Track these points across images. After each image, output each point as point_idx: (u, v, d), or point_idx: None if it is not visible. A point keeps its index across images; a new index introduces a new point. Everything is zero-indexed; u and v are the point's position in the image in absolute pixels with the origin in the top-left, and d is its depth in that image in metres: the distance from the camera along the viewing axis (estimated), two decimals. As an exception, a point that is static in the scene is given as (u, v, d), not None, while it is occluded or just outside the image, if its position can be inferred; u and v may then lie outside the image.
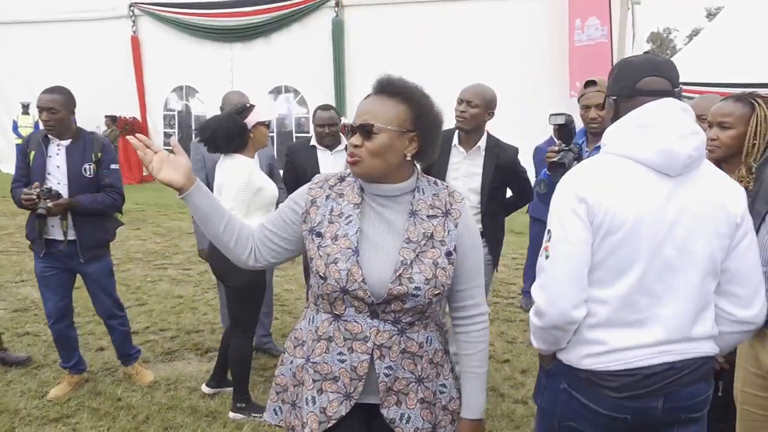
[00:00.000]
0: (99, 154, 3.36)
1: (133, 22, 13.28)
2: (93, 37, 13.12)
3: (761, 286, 1.65)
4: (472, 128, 3.11)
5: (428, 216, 1.63)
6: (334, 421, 1.59)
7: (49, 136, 3.32)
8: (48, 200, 3.17)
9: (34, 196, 3.15)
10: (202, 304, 5.27)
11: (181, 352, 4.23)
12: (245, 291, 3.17)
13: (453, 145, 3.18)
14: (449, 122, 2.74)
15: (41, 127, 3.36)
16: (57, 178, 3.31)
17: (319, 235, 1.61)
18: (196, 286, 5.80)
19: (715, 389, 2.16)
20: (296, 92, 12.81)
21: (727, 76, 8.39)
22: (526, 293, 5.36)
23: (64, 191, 3.28)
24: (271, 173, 4.08)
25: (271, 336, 4.29)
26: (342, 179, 1.69)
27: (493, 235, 3.24)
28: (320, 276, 1.58)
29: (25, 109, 12.94)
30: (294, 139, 12.08)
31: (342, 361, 1.59)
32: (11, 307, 4.97)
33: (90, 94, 12.56)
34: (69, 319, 3.57)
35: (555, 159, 2.55)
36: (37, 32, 13.59)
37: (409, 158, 1.60)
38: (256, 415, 3.22)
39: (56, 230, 3.33)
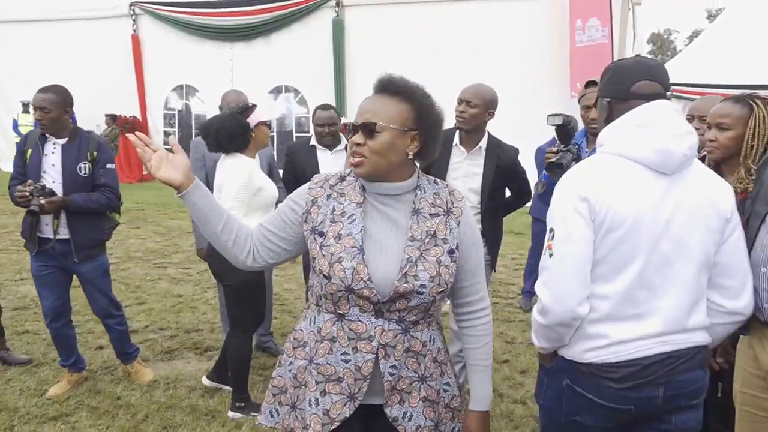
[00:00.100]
0: (95, 154, 3.35)
1: (134, 21, 13.29)
2: (93, 35, 13.12)
3: (749, 278, 1.74)
4: (471, 128, 3.10)
5: (431, 214, 1.64)
6: (337, 423, 1.58)
7: (46, 134, 3.32)
8: (41, 197, 3.16)
9: (27, 193, 3.15)
10: (201, 303, 5.27)
11: (180, 351, 4.23)
12: (243, 291, 3.17)
13: (454, 144, 3.18)
14: (449, 122, 2.74)
15: None
16: (52, 176, 3.30)
17: (322, 234, 1.60)
18: (195, 285, 5.80)
19: (714, 390, 2.17)
20: (296, 92, 12.81)
21: (728, 78, 8.40)
22: (527, 293, 5.36)
23: (59, 190, 3.28)
24: (270, 173, 4.08)
25: (272, 335, 4.29)
26: (342, 179, 1.69)
27: (492, 235, 3.24)
28: (324, 275, 1.57)
29: (26, 107, 12.94)
30: (294, 139, 12.08)
31: (346, 362, 1.58)
32: (11, 306, 4.97)
33: (90, 93, 12.57)
34: (66, 318, 3.56)
35: (553, 160, 2.56)
36: (37, 31, 13.61)
37: (410, 157, 1.61)
38: (255, 414, 3.22)
39: (49, 228, 3.33)
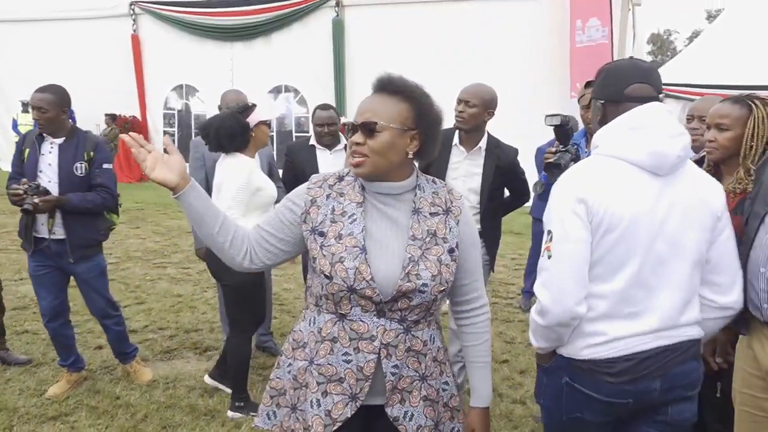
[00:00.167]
0: (91, 153, 3.34)
1: (134, 20, 13.29)
2: (93, 35, 13.12)
3: (739, 274, 1.79)
4: (471, 128, 3.10)
5: (430, 213, 1.64)
6: (339, 424, 1.57)
7: (44, 134, 3.32)
8: (35, 196, 3.15)
9: (21, 192, 3.14)
10: (201, 303, 5.27)
11: (180, 350, 4.23)
12: (242, 291, 3.16)
13: (454, 144, 3.17)
14: (449, 122, 2.74)
15: None
16: (48, 176, 3.30)
17: (322, 234, 1.60)
18: (195, 285, 5.80)
19: (713, 390, 2.17)
20: (296, 92, 12.81)
21: (727, 78, 8.39)
22: (526, 293, 5.36)
23: (55, 189, 3.27)
24: (270, 172, 4.08)
25: (271, 335, 4.29)
26: (341, 178, 1.68)
27: (490, 236, 3.24)
28: (325, 275, 1.56)
29: (25, 107, 12.93)
30: (294, 139, 12.08)
31: (347, 362, 1.58)
32: (10, 305, 4.96)
33: (90, 93, 12.57)
34: (64, 318, 3.56)
35: (551, 160, 2.56)
36: (37, 31, 13.60)
37: (410, 156, 1.61)
38: (254, 414, 3.22)
39: (44, 228, 3.32)
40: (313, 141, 4.04)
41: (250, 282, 3.11)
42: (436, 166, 3.11)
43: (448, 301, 1.83)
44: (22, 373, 3.78)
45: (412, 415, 1.63)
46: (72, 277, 3.54)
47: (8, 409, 3.31)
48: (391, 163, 1.58)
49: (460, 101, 3.08)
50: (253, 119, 3.12)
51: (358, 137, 1.56)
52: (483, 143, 3.16)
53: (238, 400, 3.30)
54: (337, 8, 11.76)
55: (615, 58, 9.47)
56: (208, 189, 3.32)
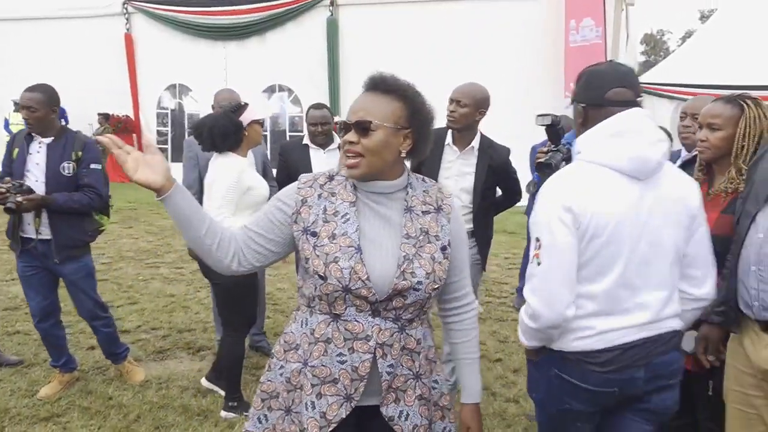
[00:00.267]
0: (79, 153, 3.31)
1: (127, 19, 13.24)
2: (86, 34, 13.07)
3: (713, 267, 1.87)
4: (462, 127, 3.10)
5: (422, 212, 1.64)
6: (334, 425, 1.56)
7: (32, 133, 3.30)
8: (18, 195, 3.12)
9: (3, 190, 3.11)
10: (194, 302, 5.25)
11: (173, 350, 4.22)
12: (233, 290, 3.15)
13: (446, 143, 3.17)
14: (442, 122, 2.74)
15: None
16: (35, 175, 3.27)
17: (314, 234, 1.58)
18: (188, 285, 5.78)
19: (705, 388, 2.19)
20: (290, 91, 12.80)
21: (720, 78, 8.43)
22: (521, 292, 5.36)
23: (41, 189, 3.24)
24: (264, 172, 4.08)
25: (264, 335, 4.28)
26: (331, 178, 1.67)
27: (482, 235, 3.24)
28: (319, 276, 1.54)
29: (17, 106, 12.83)
30: (287, 138, 12.06)
31: (342, 362, 1.56)
32: (1, 306, 4.94)
33: (83, 92, 12.52)
34: (54, 318, 3.53)
35: (542, 160, 2.57)
36: (29, 29, 13.53)
37: (403, 155, 1.61)
38: (247, 414, 3.21)
39: (31, 228, 3.30)
40: (306, 140, 4.03)
41: (242, 282, 3.10)
42: (428, 165, 3.11)
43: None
44: (14, 373, 3.75)
45: (408, 414, 1.63)
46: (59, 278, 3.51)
47: (0, 410, 3.28)
48: (385, 162, 1.57)
49: (451, 101, 3.08)
50: (246, 118, 3.11)
51: (351, 136, 1.55)
52: (475, 143, 3.16)
53: (232, 399, 3.30)
54: (331, 8, 11.76)
55: (608, 58, 9.52)
56: (202, 188, 3.31)
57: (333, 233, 1.57)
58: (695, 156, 2.40)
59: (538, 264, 1.70)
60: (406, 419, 1.62)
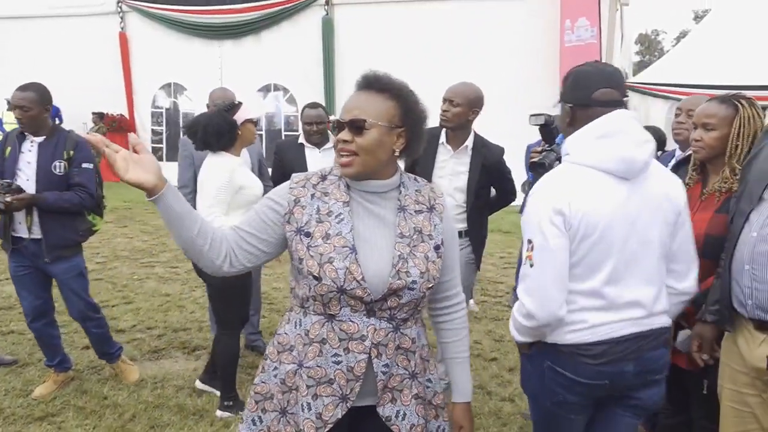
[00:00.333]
0: (71, 152, 3.29)
1: (121, 18, 13.18)
2: (80, 33, 13.00)
3: (695, 261, 1.94)
4: (455, 127, 3.11)
5: (415, 211, 1.64)
6: (330, 425, 1.55)
7: (25, 133, 3.28)
8: (7, 195, 3.10)
9: None
10: (189, 302, 5.24)
11: (168, 350, 4.21)
12: (227, 289, 3.15)
13: (440, 142, 3.18)
14: (437, 121, 2.74)
15: None
16: (27, 174, 3.26)
17: (308, 235, 1.57)
18: (183, 284, 5.77)
19: (700, 387, 2.20)
20: (285, 90, 12.77)
21: (714, 78, 8.45)
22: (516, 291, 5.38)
23: (32, 188, 3.23)
24: (260, 171, 4.07)
25: (260, 334, 4.28)
26: (324, 177, 1.66)
27: (477, 234, 3.24)
28: (314, 276, 1.53)
29: (10, 105, 12.80)
30: (283, 138, 12.04)
31: (337, 363, 1.56)
32: (-4, 305, 4.93)
33: (77, 91, 12.46)
34: (48, 318, 3.51)
35: (536, 159, 2.58)
36: (23, 28, 13.46)
37: (396, 154, 1.60)
38: (243, 413, 3.21)
39: (22, 227, 3.28)
40: (302, 139, 4.03)
41: (236, 280, 3.08)
42: (422, 164, 3.12)
43: None
44: (8, 373, 3.74)
45: (405, 414, 1.63)
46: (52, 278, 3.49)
47: (-6, 410, 3.28)
48: (379, 161, 1.57)
49: (444, 100, 3.09)
50: (239, 117, 3.11)
51: (345, 135, 1.54)
52: (469, 142, 3.16)
53: (227, 399, 3.29)
54: (326, 7, 11.74)
55: (603, 58, 9.54)
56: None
57: (327, 233, 1.56)
58: (689, 155, 2.41)
59: (531, 265, 1.75)
60: (403, 419, 1.62)
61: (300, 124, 4.26)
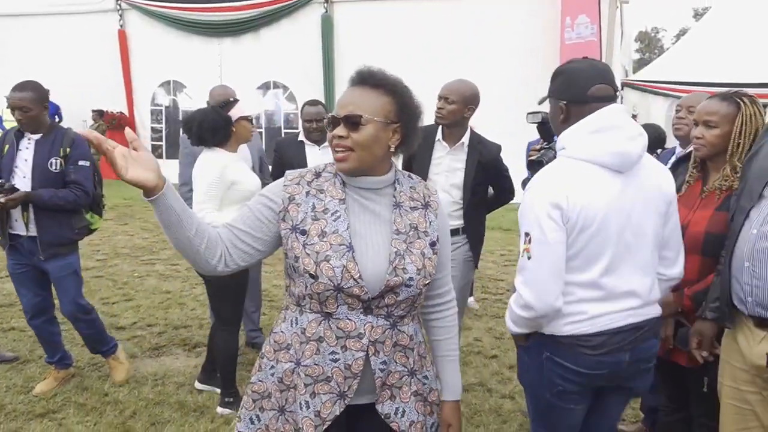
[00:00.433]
0: (67, 150, 3.28)
1: (120, 16, 13.18)
2: (80, 30, 13.01)
3: (682, 248, 2.01)
4: (451, 123, 3.10)
5: (411, 208, 1.64)
6: (329, 423, 1.55)
7: (22, 131, 3.29)
8: (0, 195, 3.10)
9: None
10: (190, 299, 5.25)
11: (168, 347, 4.21)
12: (225, 285, 3.15)
13: (436, 139, 3.17)
14: (430, 118, 2.73)
15: None
16: (23, 171, 3.25)
17: (304, 233, 1.55)
18: (183, 282, 5.77)
19: (700, 385, 2.20)
20: (285, 88, 12.77)
21: (714, 76, 8.46)
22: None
23: (28, 185, 3.23)
24: (261, 168, 4.08)
25: (260, 331, 4.28)
26: (318, 175, 1.64)
27: (474, 232, 3.23)
28: (310, 275, 1.52)
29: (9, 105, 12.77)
30: (283, 135, 12.04)
31: (335, 361, 1.55)
32: (-4, 303, 4.93)
33: (77, 89, 12.47)
34: (47, 315, 3.51)
35: (534, 157, 2.58)
36: (23, 26, 13.46)
37: (392, 150, 1.60)
38: (240, 412, 3.21)
39: (19, 224, 3.28)
40: (302, 137, 4.03)
41: (230, 278, 3.09)
42: (419, 161, 3.12)
43: None
44: (9, 370, 3.75)
45: (404, 411, 1.62)
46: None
47: (-5, 407, 3.28)
48: (374, 156, 1.56)
49: (440, 98, 3.09)
50: (234, 114, 3.12)
51: (340, 130, 1.53)
52: (465, 139, 3.16)
53: (228, 395, 3.30)
54: (326, 4, 11.74)
55: (603, 56, 9.54)
56: None
57: (323, 231, 1.55)
58: (690, 153, 2.41)
59: (529, 258, 1.78)
60: (402, 416, 1.62)
61: (300, 121, 4.26)
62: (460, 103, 3.05)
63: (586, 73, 1.87)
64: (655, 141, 4.42)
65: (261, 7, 12.19)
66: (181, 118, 13.36)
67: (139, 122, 13.64)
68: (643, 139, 1.84)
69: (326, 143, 3.97)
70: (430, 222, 1.65)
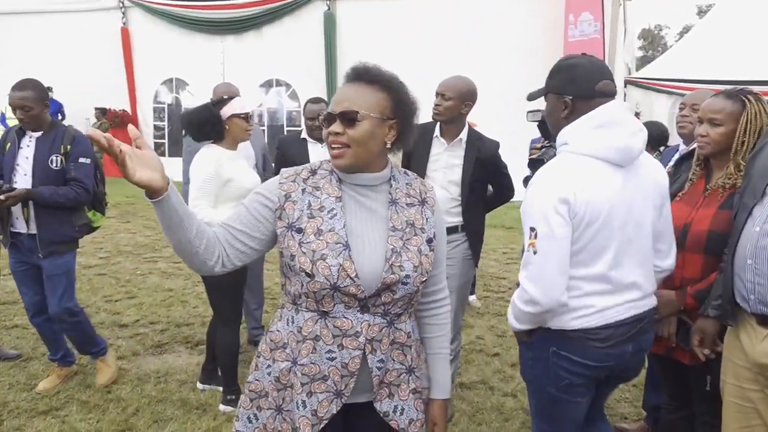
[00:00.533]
0: (68, 147, 3.28)
1: (123, 13, 13.20)
2: (82, 28, 13.03)
3: (674, 240, 2.07)
4: (448, 120, 3.10)
5: (407, 204, 1.63)
6: (325, 421, 1.55)
7: (24, 129, 3.29)
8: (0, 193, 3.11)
9: None
10: (192, 297, 5.26)
11: (171, 345, 4.22)
12: (223, 283, 3.15)
13: (435, 136, 3.17)
14: (427, 115, 2.73)
15: None
16: (24, 169, 3.26)
17: (300, 231, 1.54)
18: (186, 279, 5.78)
19: (703, 383, 2.20)
20: (288, 85, 12.77)
21: (718, 73, 8.43)
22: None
23: (28, 182, 3.23)
24: (264, 165, 4.08)
25: (263, 329, 4.29)
26: (314, 172, 1.63)
27: (473, 230, 3.22)
28: (306, 273, 1.51)
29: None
30: (285, 133, 12.05)
31: (331, 359, 1.54)
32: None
33: (79, 87, 12.49)
34: (48, 313, 3.51)
35: (535, 156, 2.58)
36: (26, 24, 13.49)
37: (388, 146, 1.59)
38: (237, 411, 3.21)
39: (20, 223, 3.28)
40: (304, 134, 4.03)
41: (229, 276, 3.09)
42: (417, 158, 3.12)
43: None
44: (12, 367, 3.76)
45: (403, 409, 1.62)
46: None
47: (-2, 404, 3.29)
48: (371, 153, 1.55)
49: (437, 94, 3.08)
50: (225, 112, 3.13)
51: (336, 127, 1.52)
52: (463, 135, 3.15)
53: (230, 393, 3.30)
54: (328, 2, 11.73)
55: (607, 53, 9.52)
56: None
57: (319, 229, 1.54)
58: (693, 150, 2.40)
59: (535, 253, 1.78)
60: (401, 414, 1.62)
61: (302, 119, 4.26)
62: (457, 100, 3.05)
63: (592, 69, 1.88)
64: (658, 138, 4.41)
65: (264, 5, 12.19)
66: (183, 116, 13.39)
67: (141, 120, 13.66)
68: (644, 134, 1.87)
69: (330, 141, 3.96)
70: (427, 218, 1.64)
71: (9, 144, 3.31)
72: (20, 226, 3.30)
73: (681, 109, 3.17)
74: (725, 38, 9.65)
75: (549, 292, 1.76)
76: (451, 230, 3.03)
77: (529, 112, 2.68)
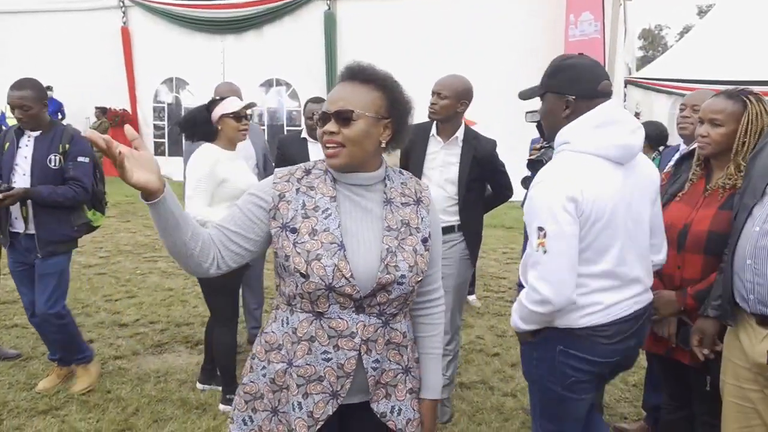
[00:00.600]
0: (66, 146, 3.27)
1: (124, 13, 13.20)
2: (83, 28, 13.03)
3: (665, 234, 2.12)
4: (444, 119, 3.10)
5: (402, 203, 1.62)
6: (321, 423, 1.54)
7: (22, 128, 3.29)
8: None
9: None
10: (192, 296, 5.26)
11: (171, 344, 4.22)
12: (218, 282, 3.15)
13: (431, 134, 3.17)
14: (423, 114, 2.73)
15: None
16: (23, 168, 3.25)
17: (294, 231, 1.53)
18: (186, 279, 5.78)
19: (703, 384, 2.20)
20: (288, 85, 12.77)
21: (718, 73, 8.43)
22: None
23: (27, 182, 3.23)
24: (265, 165, 4.07)
25: (262, 329, 4.28)
26: (308, 172, 1.62)
27: (471, 230, 3.21)
28: (301, 274, 1.50)
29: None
30: (285, 132, 12.05)
31: (327, 360, 1.53)
32: (-1, 299, 4.94)
33: (79, 86, 12.49)
34: None
35: (534, 157, 2.58)
36: (26, 23, 13.49)
37: (383, 145, 1.58)
38: (232, 413, 3.21)
39: (19, 222, 3.28)
40: (304, 134, 4.03)
41: (224, 276, 3.08)
42: (414, 157, 3.12)
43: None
44: (12, 367, 3.76)
45: (400, 409, 1.62)
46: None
47: (-2, 403, 3.29)
48: (366, 152, 1.55)
49: (433, 93, 3.08)
50: (216, 113, 3.16)
51: (331, 126, 1.51)
52: (459, 133, 3.15)
53: (229, 392, 3.30)
54: (328, 2, 11.73)
55: (607, 53, 9.52)
56: None
57: (314, 229, 1.52)
58: (693, 150, 2.39)
59: (545, 252, 1.77)
60: (398, 414, 1.61)
61: (302, 118, 4.26)
62: (453, 98, 3.04)
63: (594, 70, 1.92)
64: (658, 138, 4.41)
65: (264, 4, 12.19)
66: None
67: (141, 119, 13.66)
68: (642, 132, 1.92)
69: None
70: (422, 218, 1.63)
71: (8, 143, 3.30)
72: (19, 226, 3.29)
73: (682, 109, 3.16)
74: (725, 38, 9.65)
75: (561, 290, 1.77)
76: (448, 230, 3.02)
77: (528, 112, 2.67)
